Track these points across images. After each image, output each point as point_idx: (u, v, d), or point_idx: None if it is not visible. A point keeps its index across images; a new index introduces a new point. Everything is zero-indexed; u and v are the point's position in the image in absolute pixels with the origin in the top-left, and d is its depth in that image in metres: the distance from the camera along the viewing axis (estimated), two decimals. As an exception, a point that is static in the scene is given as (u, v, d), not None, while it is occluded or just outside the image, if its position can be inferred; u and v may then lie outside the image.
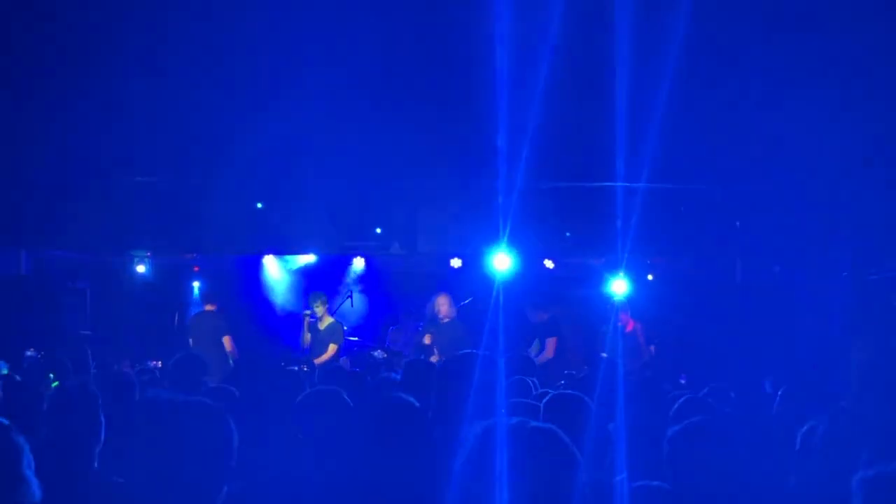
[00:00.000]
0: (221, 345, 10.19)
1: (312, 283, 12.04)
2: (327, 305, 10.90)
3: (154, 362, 10.12)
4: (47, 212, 9.75)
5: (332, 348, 10.56)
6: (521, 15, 6.36)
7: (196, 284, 13.10)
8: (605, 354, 10.22)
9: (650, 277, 12.58)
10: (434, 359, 9.72)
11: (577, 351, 11.82)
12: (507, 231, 9.38)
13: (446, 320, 10.13)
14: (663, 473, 3.16)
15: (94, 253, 12.07)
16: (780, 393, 5.30)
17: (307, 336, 10.81)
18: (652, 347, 10.51)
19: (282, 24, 7.12)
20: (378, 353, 10.72)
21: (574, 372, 8.69)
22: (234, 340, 10.52)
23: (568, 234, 10.84)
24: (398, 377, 5.74)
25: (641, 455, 3.46)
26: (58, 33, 7.28)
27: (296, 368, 9.66)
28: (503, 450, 1.90)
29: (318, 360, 10.36)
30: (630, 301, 10.86)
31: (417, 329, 11.07)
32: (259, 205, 10.54)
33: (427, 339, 10.02)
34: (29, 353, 8.43)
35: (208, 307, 10.78)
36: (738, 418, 5.38)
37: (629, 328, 10.43)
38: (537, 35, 6.61)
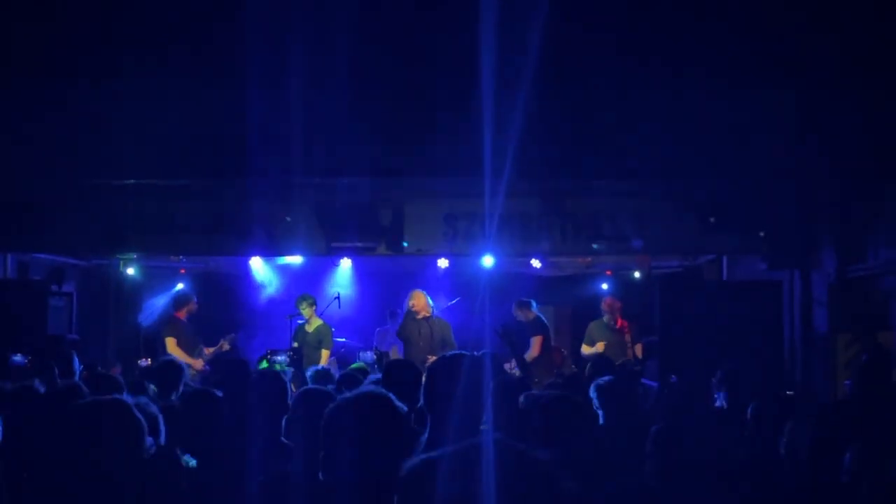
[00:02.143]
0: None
1: (299, 285, 12.02)
2: (315, 307, 10.88)
3: (144, 361, 10.14)
4: (32, 215, 9.70)
5: (325, 354, 10.53)
6: (506, 14, 6.37)
7: (180, 286, 13.06)
8: (586, 349, 10.30)
9: (637, 275, 12.63)
10: (394, 354, 9.86)
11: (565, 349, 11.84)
12: (494, 231, 9.39)
13: (421, 316, 10.09)
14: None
15: (80, 256, 12.02)
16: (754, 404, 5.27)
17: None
18: (639, 346, 10.53)
19: (270, 23, 7.13)
20: (367, 355, 10.71)
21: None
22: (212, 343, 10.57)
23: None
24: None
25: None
26: (38, 37, 7.26)
27: (285, 356, 9.65)
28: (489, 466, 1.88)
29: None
30: (619, 298, 10.90)
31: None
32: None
33: (400, 335, 10.13)
34: (15, 358, 8.39)
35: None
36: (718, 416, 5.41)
37: (618, 325, 10.48)
38: (526, 34, 6.62)
